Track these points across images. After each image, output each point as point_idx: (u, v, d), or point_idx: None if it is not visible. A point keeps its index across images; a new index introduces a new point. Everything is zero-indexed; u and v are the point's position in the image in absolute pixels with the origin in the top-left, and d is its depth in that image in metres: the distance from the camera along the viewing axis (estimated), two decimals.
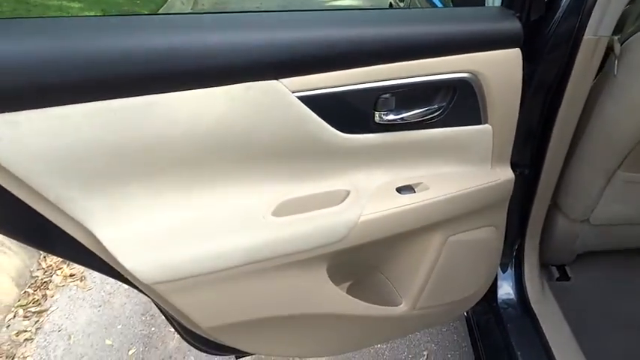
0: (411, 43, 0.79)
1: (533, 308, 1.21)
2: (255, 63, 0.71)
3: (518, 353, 1.18)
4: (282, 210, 0.82)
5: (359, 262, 1.00)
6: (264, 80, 0.72)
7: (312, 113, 0.77)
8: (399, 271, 1.01)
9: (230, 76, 0.71)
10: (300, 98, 0.75)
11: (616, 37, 0.99)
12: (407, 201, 0.87)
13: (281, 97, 0.74)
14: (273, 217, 0.80)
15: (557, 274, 1.45)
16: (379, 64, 0.78)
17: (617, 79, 1.03)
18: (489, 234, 1.04)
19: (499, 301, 1.25)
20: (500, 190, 0.98)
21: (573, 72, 0.94)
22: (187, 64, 0.68)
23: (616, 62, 1.01)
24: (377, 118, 0.83)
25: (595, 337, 1.27)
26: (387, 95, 0.81)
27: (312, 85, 0.76)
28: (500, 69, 0.85)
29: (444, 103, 0.86)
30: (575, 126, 1.05)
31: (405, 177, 0.92)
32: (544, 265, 1.44)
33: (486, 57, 0.83)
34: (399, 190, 0.89)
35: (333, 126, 0.80)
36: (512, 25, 0.84)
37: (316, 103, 0.77)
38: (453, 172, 0.94)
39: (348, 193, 0.87)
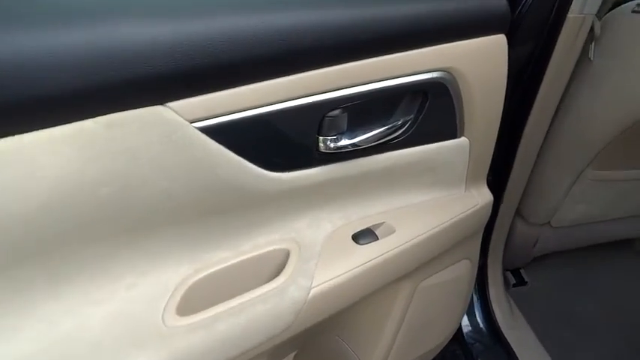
0: (365, 34, 0.53)
1: (505, 335, 1.04)
2: (120, 80, 0.41)
3: None
4: (193, 300, 0.53)
5: (310, 334, 0.74)
6: (140, 107, 0.43)
7: (225, 149, 0.49)
8: (360, 333, 0.77)
9: (78, 106, 0.40)
10: (204, 129, 0.47)
11: (594, 15, 0.80)
12: (368, 255, 0.62)
13: (172, 131, 0.45)
14: (178, 317, 0.51)
15: (513, 280, 1.30)
16: (320, 67, 0.52)
17: (592, 64, 0.85)
18: (463, 269, 0.83)
19: (465, 334, 1.06)
20: (478, 217, 0.77)
21: (553, 57, 0.74)
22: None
23: (593, 45, 0.82)
24: (321, 146, 0.56)
25: (562, 345, 1.13)
26: (336, 113, 0.55)
27: (221, 109, 0.47)
28: (481, 62, 0.62)
29: (411, 116, 0.62)
30: (548, 124, 0.87)
31: (362, 217, 0.67)
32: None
33: (464, 48, 0.60)
34: (357, 237, 0.64)
35: (257, 164, 0.53)
36: (498, 2, 0.61)
37: (229, 133, 0.49)
38: (421, 203, 0.71)
39: (288, 253, 0.60)
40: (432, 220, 0.69)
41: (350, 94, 0.54)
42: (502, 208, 0.97)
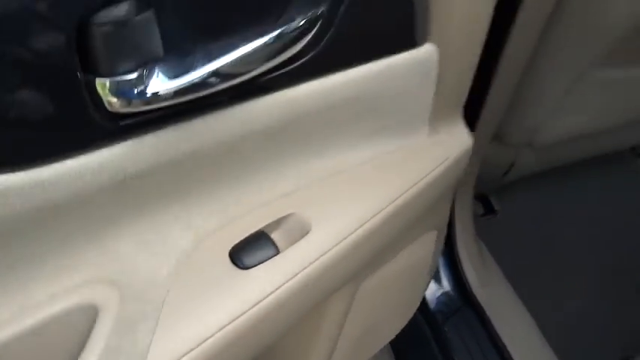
0: None
1: (476, 295, 0.81)
2: None
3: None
4: None
5: None
6: None
7: None
8: None
9: None
10: None
11: None
12: (259, 287, 0.33)
13: None
14: None
15: (481, 210, 1.07)
16: None
17: None
18: (426, 246, 0.56)
19: (428, 298, 0.82)
20: (451, 173, 0.48)
21: None
22: None
23: None
24: (111, 102, 0.24)
25: (538, 286, 0.94)
26: (122, 12, 0.21)
27: None
28: None
29: (322, 7, 0.29)
30: (547, 14, 0.56)
31: (248, 209, 0.37)
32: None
33: None
34: (238, 254, 0.34)
35: None
36: None
37: None
38: (355, 169, 0.41)
39: (95, 312, 0.30)
40: (373, 198, 0.39)
41: None
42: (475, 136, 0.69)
